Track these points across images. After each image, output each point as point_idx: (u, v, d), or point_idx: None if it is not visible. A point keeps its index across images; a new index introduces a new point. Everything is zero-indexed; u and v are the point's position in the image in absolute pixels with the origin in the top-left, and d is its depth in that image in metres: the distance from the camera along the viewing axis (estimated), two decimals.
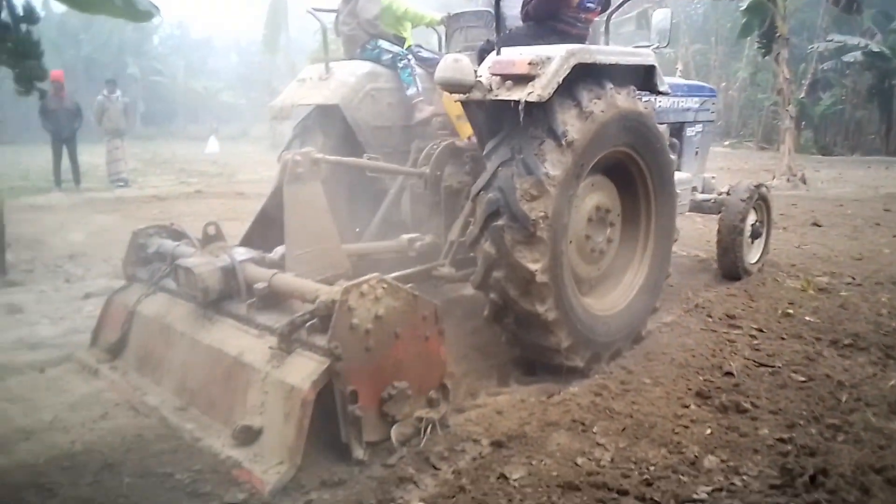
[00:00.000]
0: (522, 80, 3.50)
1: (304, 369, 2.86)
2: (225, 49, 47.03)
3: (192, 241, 4.02)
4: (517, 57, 3.57)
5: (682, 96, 6.01)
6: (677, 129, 6.08)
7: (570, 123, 3.59)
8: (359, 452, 2.86)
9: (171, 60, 42.67)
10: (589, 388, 3.65)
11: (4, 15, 7.53)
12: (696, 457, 2.97)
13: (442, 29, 5.68)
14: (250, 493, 2.65)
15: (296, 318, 2.98)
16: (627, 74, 4.02)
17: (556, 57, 3.51)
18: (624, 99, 3.88)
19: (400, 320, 3.01)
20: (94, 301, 5.39)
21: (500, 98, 3.57)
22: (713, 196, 6.24)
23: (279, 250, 3.67)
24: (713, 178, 6.72)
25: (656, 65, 4.19)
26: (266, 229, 3.87)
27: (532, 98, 3.43)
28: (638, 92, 4.16)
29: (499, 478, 2.81)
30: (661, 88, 4.28)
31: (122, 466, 2.85)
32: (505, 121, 3.72)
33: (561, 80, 3.48)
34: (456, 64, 3.65)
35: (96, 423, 3.28)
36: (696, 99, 6.22)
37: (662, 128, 5.32)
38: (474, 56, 4.31)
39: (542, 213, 3.52)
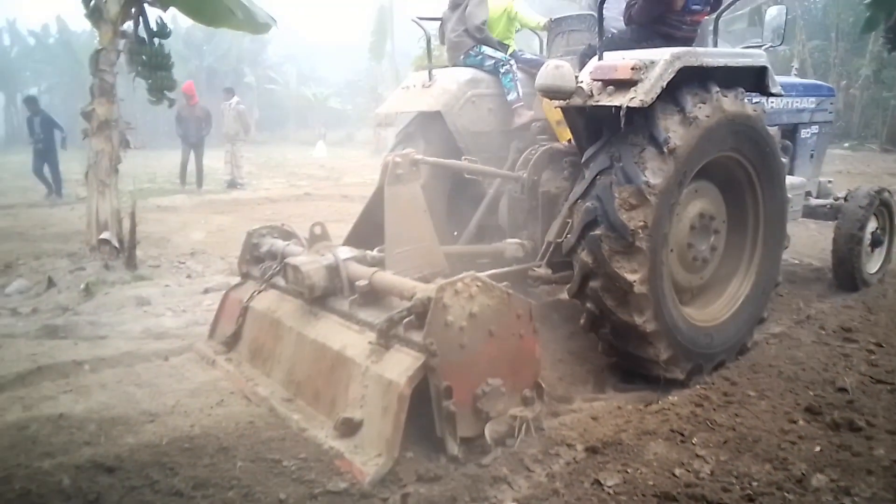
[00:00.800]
0: (625, 85, 3.45)
1: (400, 365, 2.95)
2: (333, 57, 48.74)
3: (300, 241, 4.23)
4: (620, 62, 3.52)
5: (796, 96, 5.76)
6: (791, 131, 5.85)
7: (673, 130, 3.50)
8: (453, 448, 2.90)
9: (284, 69, 44.75)
10: (689, 399, 3.56)
11: (140, 30, 8.19)
12: (803, 474, 2.84)
13: (545, 34, 5.69)
14: (351, 483, 2.77)
15: (394, 315, 3.07)
16: (737, 76, 3.90)
17: (661, 61, 3.44)
18: (731, 102, 3.75)
19: (494, 318, 3.03)
20: (212, 296, 5.79)
21: (601, 104, 3.53)
22: (829, 201, 5.92)
23: (380, 249, 3.79)
24: (830, 182, 6.38)
25: (768, 66, 4.03)
26: (368, 229, 4.01)
27: (635, 104, 3.36)
28: (748, 94, 4.02)
29: (593, 483, 2.80)
30: (774, 90, 4.11)
31: (235, 450, 3.05)
32: (605, 127, 3.69)
33: (665, 84, 3.41)
34: (557, 70, 3.65)
35: (213, 410, 3.52)
36: (811, 99, 5.95)
37: (774, 130, 5.09)
38: (576, 61, 4.30)
39: (642, 223, 3.45)
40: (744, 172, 4.08)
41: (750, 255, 4.29)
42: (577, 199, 3.69)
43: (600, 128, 3.75)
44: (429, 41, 5.41)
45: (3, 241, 8.57)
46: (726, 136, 3.78)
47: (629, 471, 2.88)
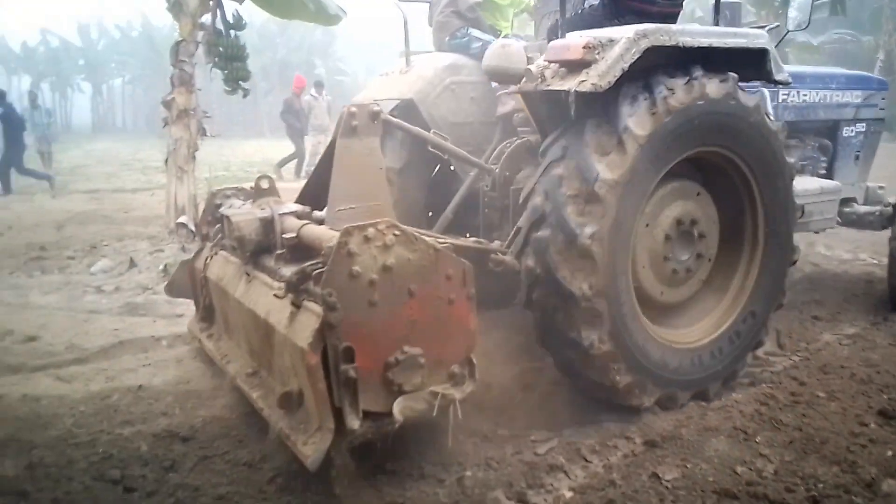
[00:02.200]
0: (578, 66, 3.03)
1: (307, 327, 2.52)
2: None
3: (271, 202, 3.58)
4: (575, 41, 3.09)
5: (836, 89, 5.07)
6: (830, 129, 5.19)
7: (637, 118, 3.03)
8: (353, 421, 2.43)
9: (352, 60, 45.50)
10: (754, 397, 3.48)
11: (217, 22, 8.50)
12: (872, 479, 2.74)
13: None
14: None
15: (306, 267, 2.66)
16: (729, 60, 3.35)
17: (622, 39, 2.98)
18: (717, 89, 3.21)
19: (416, 276, 2.56)
20: None
21: (550, 89, 3.12)
22: (878, 209, 5.21)
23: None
24: (881, 188, 5.56)
25: (769, 48, 3.43)
26: (320, 189, 3.50)
27: (585, 88, 2.93)
28: (751, 82, 3.63)
29: (651, 476, 2.79)
30: (778, 77, 3.51)
31: None
32: (564, 116, 3.21)
33: (627, 66, 2.96)
34: (503, 50, 3.33)
35: None
36: (857, 93, 5.24)
37: (806, 126, 4.74)
38: None
39: (595, 225, 2.99)
40: (738, 173, 3.51)
41: (746, 268, 3.68)
42: (528, 195, 3.25)
43: (560, 117, 3.28)
44: (405, 24, 4.75)
45: (90, 223, 9.05)
46: (711, 130, 3.27)
47: (688, 466, 2.85)
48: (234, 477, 2.83)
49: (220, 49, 7.88)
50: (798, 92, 4.64)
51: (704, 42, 3.16)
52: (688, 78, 3.14)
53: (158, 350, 4.34)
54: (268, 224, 3.11)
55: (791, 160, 3.97)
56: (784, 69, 3.57)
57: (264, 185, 3.55)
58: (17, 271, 6.65)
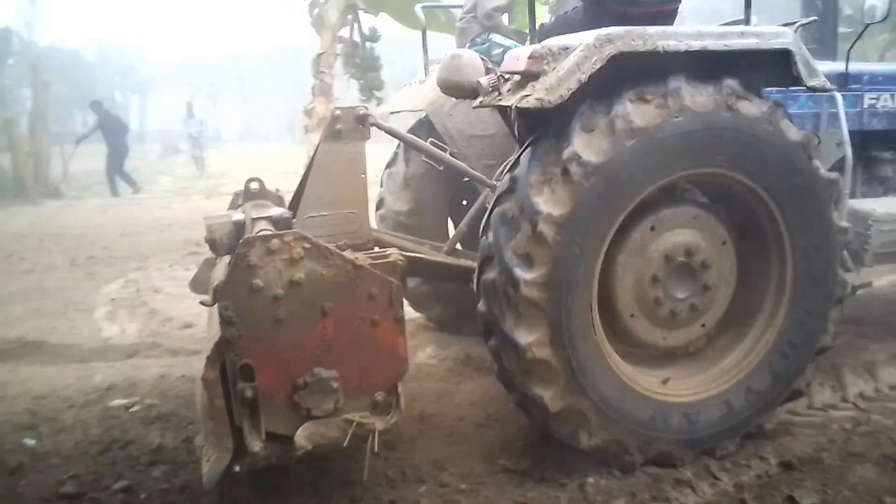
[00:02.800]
0: (527, 79, 2.64)
1: (211, 339, 2.42)
2: None
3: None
4: (524, 50, 2.72)
5: None
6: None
7: (590, 142, 2.55)
8: (254, 444, 2.29)
9: None
10: None
11: (354, 35, 8.99)
12: None
13: None
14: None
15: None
16: (751, 65, 2.84)
17: (580, 46, 2.53)
18: (704, 101, 2.64)
19: (331, 293, 2.37)
20: None
21: (495, 104, 2.82)
22: None
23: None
24: None
25: (794, 48, 2.79)
26: None
27: (527, 104, 2.52)
28: (780, 88, 3.16)
29: (786, 499, 2.66)
30: (811, 83, 2.83)
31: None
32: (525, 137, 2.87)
33: (585, 77, 2.50)
34: (453, 62, 3.05)
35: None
36: None
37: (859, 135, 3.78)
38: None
39: (539, 270, 2.56)
40: (753, 195, 2.87)
41: (772, 306, 3.02)
42: (483, 230, 2.88)
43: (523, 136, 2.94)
44: (424, 32, 4.61)
45: None
46: (698, 149, 2.69)
47: (829, 492, 2.68)
48: None
49: (357, 60, 8.30)
50: (893, 95, 3.86)
51: (696, 45, 2.60)
52: (665, 90, 2.61)
53: None
54: (240, 228, 2.96)
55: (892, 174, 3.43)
56: (819, 72, 2.86)
57: (254, 187, 3.49)
58: (175, 264, 7.38)
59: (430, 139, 3.79)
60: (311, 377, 2.36)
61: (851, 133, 3.57)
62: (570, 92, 2.49)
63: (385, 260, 2.55)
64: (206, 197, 13.47)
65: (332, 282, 2.37)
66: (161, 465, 3.03)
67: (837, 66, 3.81)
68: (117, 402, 3.69)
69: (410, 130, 4.19)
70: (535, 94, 2.51)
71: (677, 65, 2.63)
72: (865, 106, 3.90)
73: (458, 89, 3.09)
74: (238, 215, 3.06)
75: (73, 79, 38.79)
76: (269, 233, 2.41)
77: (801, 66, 2.80)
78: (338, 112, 3.10)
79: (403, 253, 2.69)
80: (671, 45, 2.56)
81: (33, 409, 3.63)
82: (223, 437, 2.30)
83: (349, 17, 8.54)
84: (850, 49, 3.81)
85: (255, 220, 2.92)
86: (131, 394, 3.79)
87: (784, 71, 2.83)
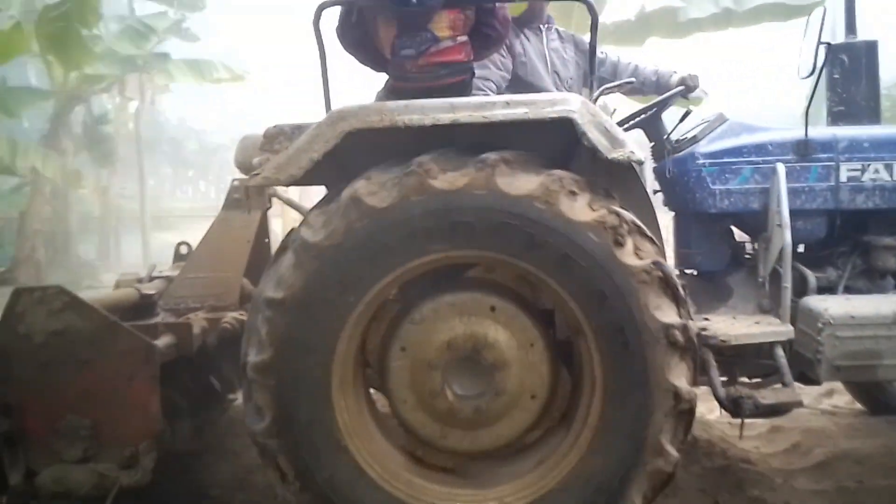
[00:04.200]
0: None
1: None
2: None
3: None
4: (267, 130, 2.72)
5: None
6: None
7: (314, 226, 2.41)
8: (13, 477, 2.54)
9: None
10: None
11: None
12: None
13: None
14: None
15: None
16: (541, 137, 2.50)
17: (313, 125, 2.46)
18: (453, 179, 2.33)
19: (88, 346, 2.60)
20: None
21: (251, 183, 2.65)
22: None
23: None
24: None
25: (575, 116, 2.35)
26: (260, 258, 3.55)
27: (255, 182, 2.52)
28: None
29: None
30: (612, 155, 2.35)
31: None
32: None
33: (318, 156, 2.38)
34: (241, 143, 3.19)
35: None
36: None
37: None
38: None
39: (263, 354, 2.38)
40: (552, 292, 2.45)
41: (584, 412, 2.48)
42: None
43: None
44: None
45: None
46: (450, 232, 2.37)
47: None
48: None
49: None
50: (887, 165, 3.08)
51: (445, 119, 2.34)
52: (407, 168, 2.36)
53: None
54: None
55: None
56: (625, 143, 2.38)
57: (183, 250, 3.84)
58: None
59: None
60: (64, 423, 2.58)
61: (828, 213, 3.11)
62: (303, 171, 2.40)
63: (177, 321, 2.97)
64: None
65: (90, 335, 2.61)
66: None
67: (794, 134, 3.18)
68: None
69: None
70: (264, 173, 2.48)
71: (445, 140, 2.41)
72: (843, 179, 3.12)
73: (246, 169, 3.14)
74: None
75: None
76: (34, 285, 2.80)
77: (593, 137, 2.35)
78: (236, 183, 3.39)
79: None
80: (414, 119, 2.36)
81: None
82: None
83: None
84: (806, 111, 3.09)
85: (154, 279, 3.50)
86: None
87: (575, 142, 2.41)
